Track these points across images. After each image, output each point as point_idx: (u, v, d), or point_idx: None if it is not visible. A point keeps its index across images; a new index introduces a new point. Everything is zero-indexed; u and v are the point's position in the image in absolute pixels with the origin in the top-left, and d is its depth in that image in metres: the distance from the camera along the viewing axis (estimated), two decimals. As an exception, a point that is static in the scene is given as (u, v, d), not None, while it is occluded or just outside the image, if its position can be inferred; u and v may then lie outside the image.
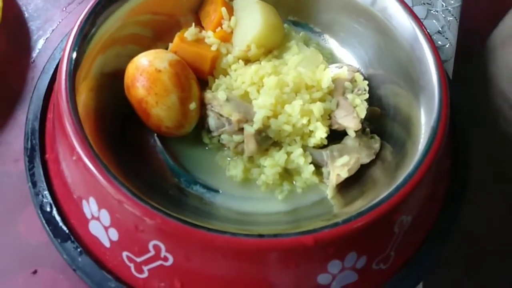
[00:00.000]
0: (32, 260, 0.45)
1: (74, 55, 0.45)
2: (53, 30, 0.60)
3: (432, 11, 0.68)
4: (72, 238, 0.43)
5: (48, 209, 0.45)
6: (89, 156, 0.39)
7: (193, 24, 0.54)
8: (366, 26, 0.55)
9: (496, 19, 0.67)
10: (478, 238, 0.54)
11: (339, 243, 0.37)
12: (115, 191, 0.37)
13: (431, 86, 0.46)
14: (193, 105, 0.47)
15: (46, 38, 0.60)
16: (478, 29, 0.71)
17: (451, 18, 0.67)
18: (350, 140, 0.49)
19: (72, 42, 0.45)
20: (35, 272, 0.45)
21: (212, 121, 0.48)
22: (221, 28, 0.54)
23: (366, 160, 0.48)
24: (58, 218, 0.44)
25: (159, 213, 0.36)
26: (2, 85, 0.55)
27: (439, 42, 0.65)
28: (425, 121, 0.45)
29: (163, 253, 0.38)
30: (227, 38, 0.54)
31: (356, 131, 0.49)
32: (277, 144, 0.49)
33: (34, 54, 0.58)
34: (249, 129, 0.47)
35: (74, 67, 0.44)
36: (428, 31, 0.65)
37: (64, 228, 0.43)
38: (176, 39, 0.52)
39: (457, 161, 0.51)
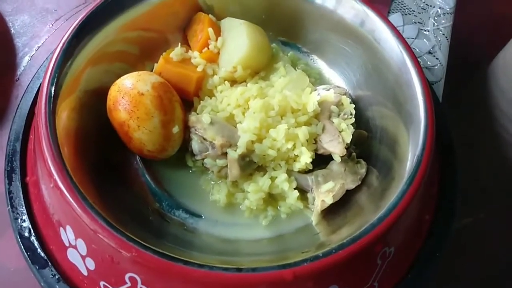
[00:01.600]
0: (9, 286, 0.44)
1: (56, 76, 0.44)
2: (38, 47, 0.60)
3: (423, 31, 0.68)
4: (50, 265, 0.42)
5: (27, 234, 0.44)
6: (66, 184, 0.38)
7: (179, 44, 0.53)
8: (355, 47, 0.54)
9: (488, 40, 0.66)
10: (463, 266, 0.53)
11: (319, 277, 0.36)
12: (91, 221, 0.36)
13: (418, 114, 0.45)
14: (176, 129, 0.47)
15: (32, 56, 0.59)
16: (470, 49, 0.71)
17: (442, 38, 0.67)
18: (336, 165, 0.48)
19: (54, 63, 0.45)
20: (11, 298, 0.44)
21: (195, 145, 0.48)
22: (208, 48, 0.53)
23: (351, 186, 0.47)
24: (36, 243, 0.43)
25: (135, 245, 0.35)
26: (-15, 104, 0.55)
27: (429, 63, 0.64)
28: (411, 147, 0.45)
29: (140, 286, 0.37)
30: (213, 58, 0.53)
31: (341, 156, 0.48)
32: (261, 169, 0.48)
33: (19, 72, 0.58)
34: (233, 154, 0.46)
35: (55, 89, 0.43)
36: (419, 51, 0.66)
37: (43, 254, 0.43)
38: (161, 60, 0.51)
39: (445, 186, 0.50)
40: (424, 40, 0.67)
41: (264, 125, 0.47)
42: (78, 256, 0.40)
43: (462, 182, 0.50)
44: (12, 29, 0.61)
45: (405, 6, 0.70)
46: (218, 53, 0.53)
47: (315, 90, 0.52)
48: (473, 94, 0.65)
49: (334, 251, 0.36)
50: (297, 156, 0.48)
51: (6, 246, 0.46)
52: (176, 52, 0.52)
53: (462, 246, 0.52)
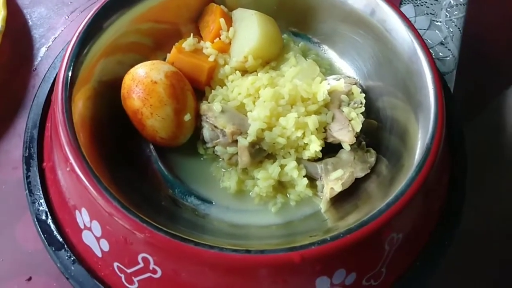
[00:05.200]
0: (27, 267, 0.46)
1: (71, 67, 0.45)
2: (55, 38, 0.61)
3: (435, 22, 0.67)
4: (66, 247, 0.43)
5: (44, 218, 0.45)
6: (82, 168, 0.39)
7: (192, 34, 0.54)
8: (365, 37, 0.55)
9: (501, 31, 0.65)
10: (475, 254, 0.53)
11: (327, 260, 0.37)
12: (106, 203, 0.38)
13: (428, 103, 0.45)
14: (187, 117, 0.48)
15: (48, 46, 0.61)
16: (483, 41, 0.70)
17: (455, 29, 0.66)
18: (345, 153, 0.49)
19: (69, 55, 0.46)
20: (29, 279, 0.46)
21: (206, 133, 0.48)
22: (219, 38, 0.54)
23: (360, 174, 0.47)
24: (53, 226, 0.45)
25: (148, 227, 0.36)
26: (5, 93, 0.57)
27: (441, 54, 0.64)
28: (421, 135, 0.45)
29: (152, 266, 0.38)
30: (225, 49, 0.54)
31: (351, 145, 0.48)
32: (271, 157, 0.49)
33: (36, 62, 0.59)
34: (243, 142, 0.47)
35: (72, 79, 0.45)
36: (431, 42, 0.65)
37: (59, 236, 0.44)
38: (174, 49, 0.52)
39: (455, 176, 0.50)
40: (436, 31, 0.66)
41: (274, 114, 0.48)
42: (92, 238, 0.41)
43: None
44: (29, 21, 0.63)
45: (417, -3, 0.69)
46: (230, 43, 0.54)
47: (326, 80, 0.53)
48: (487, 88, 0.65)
49: (341, 235, 0.37)
50: (306, 144, 0.48)
51: (25, 229, 0.48)
52: (189, 42, 0.53)
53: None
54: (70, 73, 0.45)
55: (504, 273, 0.54)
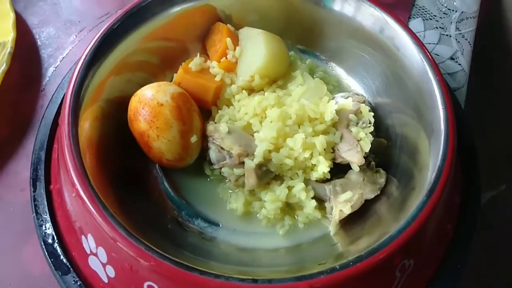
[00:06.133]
0: (34, 291, 0.46)
1: (79, 88, 0.45)
2: (63, 58, 0.62)
3: (445, 36, 0.66)
4: (72, 271, 0.43)
5: (51, 241, 0.45)
6: (88, 194, 0.39)
7: (198, 54, 0.54)
8: (374, 54, 0.54)
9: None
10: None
11: (336, 289, 0.36)
12: (111, 231, 0.37)
13: (439, 123, 0.44)
14: (194, 138, 0.47)
15: (56, 66, 0.61)
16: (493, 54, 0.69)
17: (465, 43, 0.65)
18: (354, 174, 0.48)
19: (77, 75, 0.46)
20: (36, 303, 0.45)
21: (213, 154, 0.48)
22: (226, 58, 0.54)
23: (370, 195, 0.47)
24: (59, 250, 0.44)
25: (153, 255, 0.36)
26: (13, 113, 0.57)
27: (451, 69, 0.63)
28: (432, 156, 0.44)
29: (158, 294, 0.37)
30: (231, 68, 0.54)
31: (360, 166, 0.47)
32: (278, 178, 0.48)
33: (44, 83, 0.60)
34: (250, 163, 0.46)
35: (78, 101, 0.45)
36: (441, 56, 0.64)
37: (65, 261, 0.44)
38: (181, 70, 0.52)
39: (468, 196, 0.49)
40: (446, 45, 0.65)
41: (281, 134, 0.47)
42: (99, 264, 0.41)
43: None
44: (38, 41, 0.63)
45: (426, 11, 0.69)
46: (236, 62, 0.54)
47: (333, 98, 0.52)
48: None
49: (351, 263, 0.36)
50: (314, 165, 0.47)
51: (32, 252, 0.47)
52: (195, 62, 0.53)
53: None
54: (76, 97, 0.45)
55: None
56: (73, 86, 0.45)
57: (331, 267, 0.36)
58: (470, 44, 0.65)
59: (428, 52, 0.48)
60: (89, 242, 0.41)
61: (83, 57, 0.47)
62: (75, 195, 0.40)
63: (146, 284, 0.37)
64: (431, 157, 0.44)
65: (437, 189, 0.40)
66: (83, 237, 0.42)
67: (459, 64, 0.64)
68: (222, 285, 0.35)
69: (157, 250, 0.36)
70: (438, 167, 0.41)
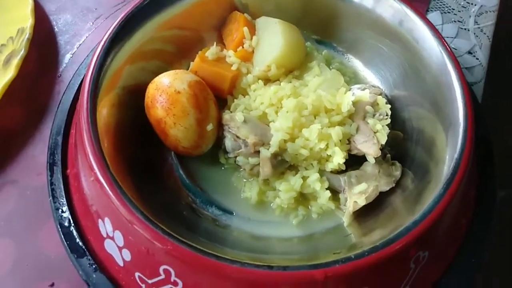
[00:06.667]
0: (50, 273, 0.46)
1: (97, 73, 0.46)
2: (80, 45, 0.62)
3: (463, 29, 0.65)
4: (88, 254, 0.44)
5: (67, 224, 0.46)
6: (106, 178, 0.39)
7: (215, 43, 0.54)
8: (392, 46, 0.53)
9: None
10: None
11: (350, 279, 0.36)
12: (129, 214, 0.38)
13: (457, 117, 0.44)
14: (210, 126, 0.47)
15: (73, 53, 0.61)
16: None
17: (483, 37, 0.64)
18: (370, 166, 0.48)
19: (96, 61, 0.46)
20: (52, 285, 0.46)
21: (228, 143, 0.48)
22: (242, 47, 0.54)
23: (385, 188, 0.46)
24: (75, 233, 0.45)
25: (170, 239, 0.36)
26: (30, 99, 0.57)
27: (469, 63, 0.62)
28: (449, 149, 0.44)
29: (173, 278, 0.38)
30: (248, 57, 0.53)
31: (376, 158, 0.47)
32: (293, 168, 0.48)
33: (61, 69, 0.60)
34: (265, 153, 0.46)
35: (96, 87, 0.45)
36: (458, 50, 0.63)
37: (81, 244, 0.44)
38: (197, 58, 0.52)
39: (483, 191, 0.48)
40: (464, 39, 0.65)
41: (297, 125, 0.47)
42: (115, 247, 0.41)
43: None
44: (55, 27, 0.64)
45: (444, 4, 0.68)
46: (253, 52, 0.54)
47: (350, 89, 0.52)
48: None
49: (366, 253, 0.36)
50: (329, 156, 0.47)
51: (48, 235, 0.48)
52: (212, 51, 0.53)
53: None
54: (95, 83, 0.45)
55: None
56: (92, 72, 0.46)
57: (346, 256, 0.36)
58: (489, 39, 0.64)
59: (448, 45, 0.48)
60: (106, 226, 0.41)
61: (101, 44, 0.48)
62: (93, 179, 0.40)
63: (162, 268, 0.38)
64: (448, 151, 0.44)
65: (454, 181, 0.39)
66: (99, 220, 0.42)
67: (477, 59, 0.63)
68: (238, 270, 0.35)
69: (174, 234, 0.37)
70: (455, 159, 0.41)
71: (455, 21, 0.66)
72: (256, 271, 0.35)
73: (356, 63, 0.58)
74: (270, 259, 0.39)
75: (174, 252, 0.36)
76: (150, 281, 0.40)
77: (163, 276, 0.38)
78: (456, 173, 0.40)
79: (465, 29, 0.65)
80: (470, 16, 0.67)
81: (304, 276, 0.35)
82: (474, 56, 0.63)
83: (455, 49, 0.63)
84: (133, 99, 0.50)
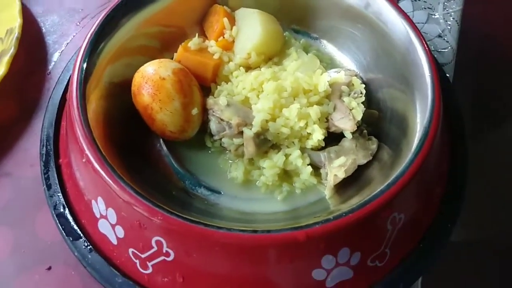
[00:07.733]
0: (47, 257, 0.48)
1: (85, 66, 0.48)
2: (67, 44, 0.64)
3: (433, 16, 0.69)
4: (83, 237, 0.46)
5: (61, 210, 0.48)
6: (97, 158, 0.42)
7: (197, 34, 0.57)
8: (363, 31, 0.56)
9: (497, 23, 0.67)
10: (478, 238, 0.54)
11: (330, 238, 0.39)
12: (120, 190, 0.40)
13: (425, 89, 0.47)
14: (195, 111, 0.50)
15: (61, 51, 0.64)
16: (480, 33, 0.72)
17: (452, 22, 0.68)
18: (347, 141, 0.50)
19: (82, 55, 0.49)
20: (49, 268, 0.48)
21: (213, 125, 0.51)
22: (223, 37, 0.56)
23: (363, 161, 0.49)
24: (70, 218, 0.47)
25: (161, 210, 0.39)
26: (21, 96, 0.59)
27: (440, 46, 0.66)
28: (419, 121, 0.47)
29: (165, 249, 0.40)
30: (229, 46, 0.56)
31: (353, 133, 0.50)
32: (276, 147, 0.51)
33: (50, 66, 0.62)
34: (248, 132, 0.49)
35: (85, 77, 0.47)
36: (429, 35, 0.67)
37: (76, 227, 0.46)
38: (180, 49, 0.55)
39: (455, 166, 0.51)
40: (434, 24, 0.68)
41: (278, 105, 0.50)
42: (108, 226, 0.43)
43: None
44: (43, 28, 0.66)
45: (414, -7, 0.71)
46: (233, 41, 0.57)
47: (326, 73, 0.55)
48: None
49: (344, 214, 0.39)
50: (309, 134, 0.50)
51: (44, 221, 0.50)
52: (194, 41, 0.56)
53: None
54: (83, 72, 0.47)
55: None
56: (80, 64, 0.48)
57: (325, 218, 0.38)
58: (457, 23, 0.68)
59: (414, 25, 0.51)
60: (99, 206, 0.43)
61: (86, 41, 0.50)
62: (85, 160, 0.42)
63: (154, 239, 0.40)
64: (419, 123, 0.47)
65: (424, 147, 0.42)
66: (93, 201, 0.44)
67: (447, 42, 0.66)
68: (225, 235, 0.37)
69: (165, 206, 0.39)
70: (424, 127, 0.44)
71: (425, 8, 0.70)
72: (242, 235, 0.37)
73: (332, 49, 0.60)
74: (256, 226, 0.42)
75: (165, 223, 0.39)
76: (143, 255, 0.42)
77: (155, 249, 0.41)
78: (425, 139, 0.43)
79: (434, 15, 0.69)
80: (439, 2, 0.70)
81: (287, 238, 0.37)
82: (444, 39, 0.67)
83: (426, 33, 0.67)
84: (120, 92, 0.52)
